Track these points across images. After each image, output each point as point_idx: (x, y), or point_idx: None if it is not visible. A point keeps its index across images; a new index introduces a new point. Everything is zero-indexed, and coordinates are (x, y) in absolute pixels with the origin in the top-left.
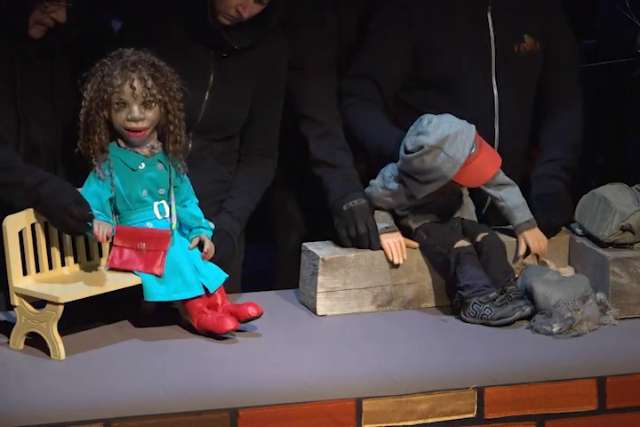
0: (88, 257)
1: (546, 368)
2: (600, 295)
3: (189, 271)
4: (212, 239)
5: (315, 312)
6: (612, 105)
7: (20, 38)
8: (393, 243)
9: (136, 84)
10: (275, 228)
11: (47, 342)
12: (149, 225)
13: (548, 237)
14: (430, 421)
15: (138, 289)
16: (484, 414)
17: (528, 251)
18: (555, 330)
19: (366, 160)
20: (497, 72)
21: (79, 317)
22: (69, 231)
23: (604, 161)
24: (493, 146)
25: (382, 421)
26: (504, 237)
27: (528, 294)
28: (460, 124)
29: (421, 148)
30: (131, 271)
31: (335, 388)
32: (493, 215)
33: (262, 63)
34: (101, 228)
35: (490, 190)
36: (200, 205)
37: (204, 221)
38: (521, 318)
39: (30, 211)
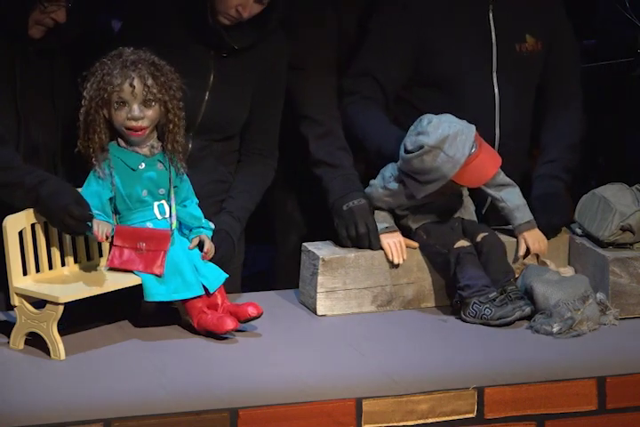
0: (88, 257)
1: (546, 368)
2: (600, 295)
3: (189, 271)
4: (212, 239)
5: (315, 312)
6: (612, 105)
7: (20, 38)
8: (393, 243)
9: (136, 82)
10: (275, 228)
11: (47, 342)
12: (149, 225)
13: (549, 238)
14: (430, 421)
15: (138, 289)
16: (483, 414)
17: (528, 251)
18: (555, 330)
19: (366, 160)
20: (498, 71)
21: (79, 317)
22: (69, 231)
23: (604, 161)
24: (494, 145)
25: (382, 421)
26: (504, 238)
27: (528, 294)
28: (460, 125)
29: (421, 148)
30: (131, 271)
31: (335, 388)
32: (493, 215)
33: (262, 63)
34: (101, 227)
35: (490, 191)
36: (200, 205)
37: (204, 221)
38: (521, 318)
39: (30, 211)
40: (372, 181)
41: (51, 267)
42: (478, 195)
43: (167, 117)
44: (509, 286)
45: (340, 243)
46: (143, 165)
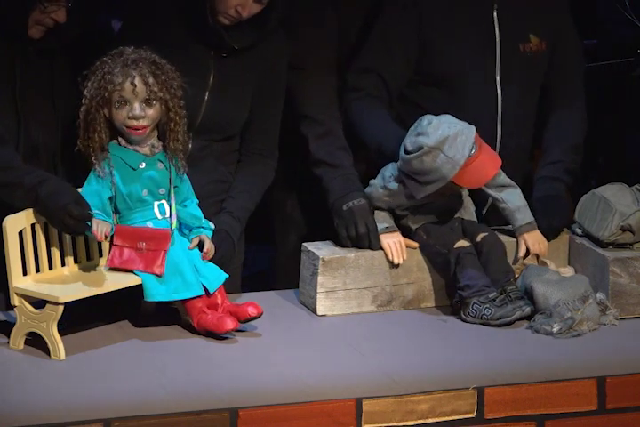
0: (88, 257)
1: (546, 368)
2: (600, 295)
3: (189, 271)
4: (212, 239)
5: (315, 312)
6: (612, 105)
7: (20, 38)
8: (393, 243)
9: (137, 81)
10: (274, 228)
11: (47, 342)
12: (150, 225)
13: (549, 240)
14: (430, 421)
15: (138, 289)
16: (483, 414)
17: (528, 252)
18: (555, 330)
19: (367, 159)
20: (501, 71)
21: (79, 317)
22: (69, 231)
23: (604, 161)
24: (495, 145)
25: (382, 421)
26: (504, 238)
27: (528, 294)
28: (460, 125)
29: (421, 148)
30: (131, 271)
31: (335, 388)
32: (494, 216)
33: (262, 63)
34: (100, 227)
35: (491, 192)
36: (200, 205)
37: (204, 221)
38: (521, 318)
39: (30, 211)
40: (372, 181)
41: (51, 267)
42: (479, 195)
43: (168, 116)
44: (509, 286)
45: (340, 243)
46: (143, 164)
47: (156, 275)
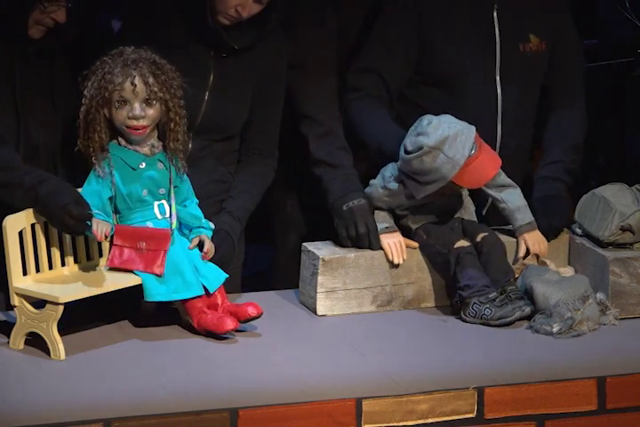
0: (88, 257)
1: (546, 368)
2: (600, 295)
3: (189, 271)
4: (212, 239)
5: (315, 312)
6: (612, 105)
7: (20, 38)
8: (393, 243)
9: (137, 81)
10: (274, 228)
11: (47, 342)
12: (150, 225)
13: (549, 240)
14: (430, 421)
15: (138, 289)
16: (483, 414)
17: (528, 252)
18: (555, 330)
19: (368, 159)
20: (501, 71)
21: (79, 317)
22: (69, 231)
23: (604, 161)
24: (495, 145)
25: (382, 421)
26: (504, 238)
27: (528, 294)
28: (460, 125)
29: (421, 148)
30: (131, 271)
31: (335, 388)
32: (494, 216)
33: (262, 63)
34: (100, 227)
35: (491, 192)
36: (200, 205)
37: (204, 221)
38: (521, 318)
39: (30, 211)
40: (372, 181)
41: (51, 267)
42: (479, 195)
43: (168, 116)
44: (509, 286)
45: (339, 243)
46: (144, 164)
47: (156, 275)
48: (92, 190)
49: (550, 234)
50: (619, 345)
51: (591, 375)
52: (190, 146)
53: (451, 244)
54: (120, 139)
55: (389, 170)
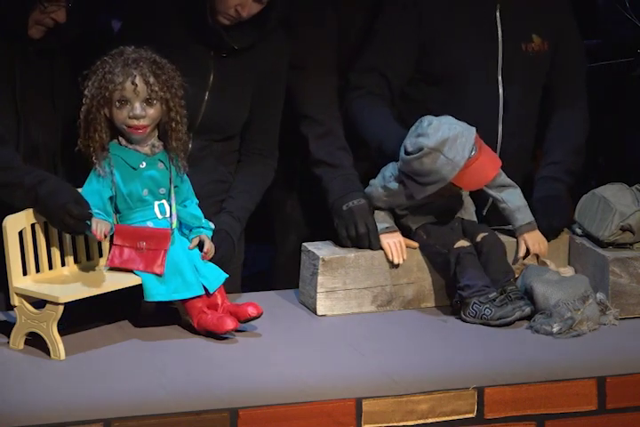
0: (88, 257)
1: (546, 368)
2: (600, 295)
3: (189, 271)
4: (212, 239)
5: (315, 312)
6: (612, 105)
7: (20, 38)
8: (393, 243)
9: (138, 80)
10: (274, 228)
11: (47, 342)
12: (150, 224)
13: (549, 240)
14: (430, 421)
15: (138, 289)
16: (483, 414)
17: (528, 252)
18: (555, 330)
19: (369, 158)
20: (503, 70)
21: (79, 317)
22: (68, 230)
23: (604, 161)
24: (496, 144)
25: (382, 421)
26: (504, 238)
27: (528, 294)
28: (461, 127)
29: (421, 150)
30: (131, 271)
31: (335, 388)
32: (495, 216)
33: (262, 63)
34: (99, 226)
35: (491, 192)
36: (200, 205)
37: (204, 220)
38: (521, 318)
39: (30, 211)
40: (371, 181)
41: (51, 267)
42: (479, 195)
43: (169, 116)
44: (509, 286)
45: (339, 243)
46: (144, 163)
47: (157, 274)
48: (93, 190)
49: (550, 234)
50: (619, 345)
51: (591, 375)
52: (190, 146)
53: (451, 244)
54: (120, 138)
55: (390, 170)
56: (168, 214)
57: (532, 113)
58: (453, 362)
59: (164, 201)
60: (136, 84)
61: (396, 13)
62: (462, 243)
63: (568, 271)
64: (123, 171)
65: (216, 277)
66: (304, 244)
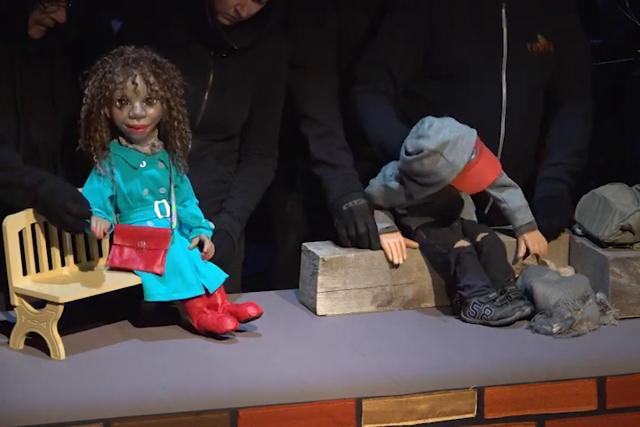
0: (88, 257)
1: (546, 368)
2: (600, 295)
3: (189, 271)
4: (212, 239)
5: (315, 312)
6: (612, 105)
7: (20, 38)
8: (393, 243)
9: (138, 80)
10: (274, 228)
11: (47, 342)
12: (150, 224)
13: (549, 241)
14: (430, 421)
15: (138, 289)
16: (483, 414)
17: (528, 252)
18: (555, 330)
19: (370, 158)
20: (507, 70)
21: (79, 317)
22: (68, 229)
23: (604, 161)
24: (498, 144)
25: (382, 421)
26: (504, 238)
27: (528, 294)
28: (462, 130)
29: (421, 151)
30: (131, 271)
31: (335, 388)
32: (496, 216)
33: (262, 63)
34: (98, 224)
35: (492, 192)
36: (200, 205)
37: (204, 220)
38: (521, 318)
39: (30, 211)
40: (372, 180)
41: (51, 267)
42: (481, 195)
43: (171, 115)
44: (509, 286)
45: (339, 243)
46: (144, 163)
47: (157, 274)
48: (94, 189)
49: (550, 234)
50: (619, 345)
51: (591, 375)
52: (190, 146)
53: (451, 244)
54: (121, 138)
55: (390, 168)
56: (168, 214)
57: (535, 114)
58: (453, 362)
59: (164, 201)
60: (136, 84)
61: (405, 10)
62: (462, 243)
63: (568, 271)
64: (123, 170)
65: (216, 277)
66: (304, 244)
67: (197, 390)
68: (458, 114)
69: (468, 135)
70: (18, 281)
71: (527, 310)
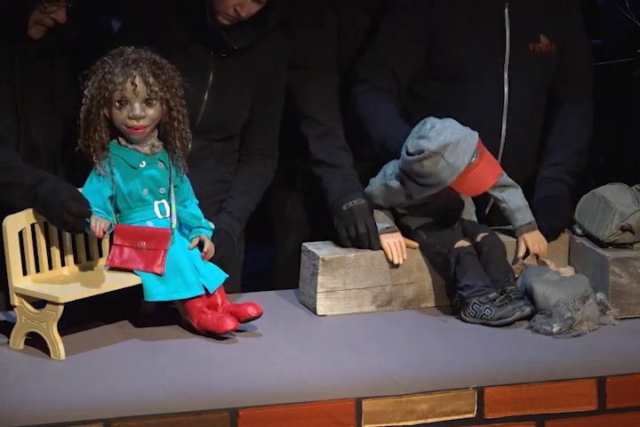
0: (88, 257)
1: (546, 368)
2: (600, 295)
3: (189, 271)
4: (212, 239)
5: (315, 312)
6: (612, 105)
7: (20, 38)
8: (393, 243)
9: (137, 81)
10: (274, 228)
11: (47, 342)
12: (150, 224)
13: (549, 241)
14: (430, 421)
15: (138, 289)
16: (483, 414)
17: (527, 252)
18: (555, 330)
19: (371, 158)
20: (510, 70)
21: (79, 317)
22: (67, 228)
23: (604, 161)
24: (499, 144)
25: (382, 421)
26: (504, 238)
27: (528, 294)
28: (463, 132)
29: (422, 152)
30: (131, 271)
31: (335, 388)
32: (497, 216)
33: (262, 63)
34: (98, 223)
35: (492, 191)
36: (200, 205)
37: (204, 220)
38: (521, 318)
39: (30, 211)
40: (371, 180)
41: (51, 267)
42: (481, 195)
43: (171, 115)
44: (509, 286)
45: (339, 243)
46: (144, 163)
47: (157, 274)
48: (94, 189)
49: (550, 234)
50: (619, 345)
51: (591, 375)
52: (190, 146)
53: (451, 244)
54: (120, 138)
55: (391, 168)
56: (168, 214)
57: (536, 114)
58: (453, 362)
59: (163, 201)
60: (136, 85)
61: (406, 10)
62: (462, 243)
63: (568, 271)
64: (123, 170)
65: (216, 277)
66: (304, 244)
67: (197, 390)
68: (458, 114)
69: (470, 138)
70: (18, 281)
71: (527, 310)
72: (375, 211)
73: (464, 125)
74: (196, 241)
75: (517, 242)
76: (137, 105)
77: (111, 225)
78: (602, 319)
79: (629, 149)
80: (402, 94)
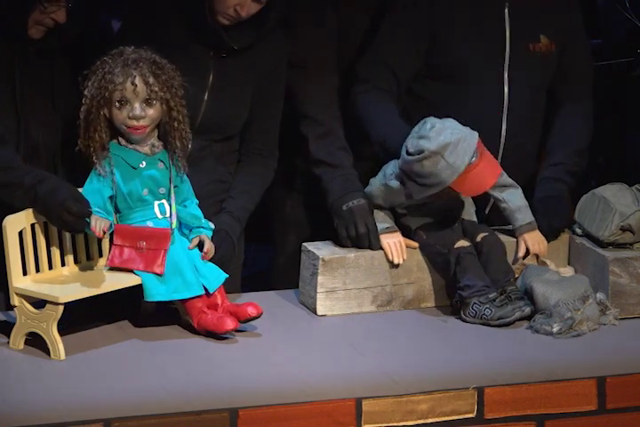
0: (88, 257)
1: (546, 368)
2: (600, 295)
3: (189, 271)
4: (212, 239)
5: (315, 312)
6: (612, 105)
7: (20, 38)
8: (393, 243)
9: (137, 81)
10: (274, 228)
11: (47, 342)
12: (150, 224)
13: (549, 241)
14: (430, 421)
15: (138, 289)
16: (483, 414)
17: (527, 252)
18: (555, 330)
19: (371, 158)
20: (510, 70)
21: (79, 317)
22: (67, 228)
23: (604, 161)
24: (499, 144)
25: (382, 421)
26: (504, 238)
27: (528, 294)
28: (463, 132)
29: (422, 152)
30: (131, 271)
31: (335, 388)
32: (497, 216)
33: (262, 63)
34: (98, 223)
35: (492, 191)
36: (200, 205)
37: (204, 221)
38: (521, 318)
39: (30, 211)
40: (372, 180)
41: (50, 267)
42: (481, 195)
43: (171, 115)
44: (509, 286)
45: (339, 243)
46: (144, 163)
47: (157, 274)
48: (94, 189)
49: (550, 234)
50: (619, 345)
51: (591, 375)
52: (190, 146)
53: (451, 244)
54: (120, 138)
55: (391, 167)
56: (168, 214)
57: (536, 114)
58: (453, 362)
59: (163, 201)
60: (136, 85)
61: (406, 10)
62: (462, 243)
63: (568, 271)
64: (123, 170)
65: (216, 277)
66: (304, 244)
67: (197, 390)
68: (458, 114)
69: (470, 138)
70: (18, 281)
71: (527, 310)
72: (375, 211)
73: (464, 125)
74: (195, 241)
75: (517, 242)
76: (137, 105)
77: (111, 225)
78: (602, 319)
79: (629, 149)
80: (402, 94)
